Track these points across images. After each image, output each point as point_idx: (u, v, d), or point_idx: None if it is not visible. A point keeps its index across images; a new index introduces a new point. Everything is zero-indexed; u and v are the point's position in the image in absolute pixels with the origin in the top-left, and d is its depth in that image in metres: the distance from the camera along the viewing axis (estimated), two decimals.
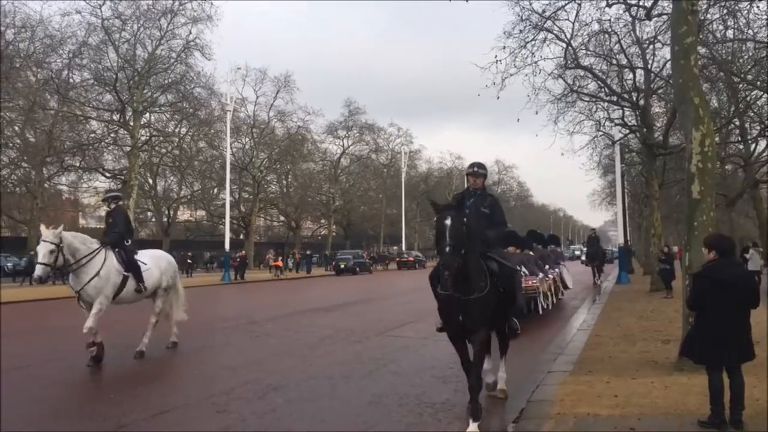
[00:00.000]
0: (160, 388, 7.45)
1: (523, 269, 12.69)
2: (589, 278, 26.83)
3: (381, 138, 64.85)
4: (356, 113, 61.41)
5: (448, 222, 5.26)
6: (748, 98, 22.46)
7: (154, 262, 10.06)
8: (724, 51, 20.22)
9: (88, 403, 6.74)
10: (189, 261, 41.06)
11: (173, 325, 10.51)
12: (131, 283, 9.45)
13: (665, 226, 37.17)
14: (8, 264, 37.64)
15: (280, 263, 40.20)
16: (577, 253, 63.60)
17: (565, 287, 17.95)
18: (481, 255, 5.74)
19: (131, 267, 9.41)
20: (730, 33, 19.68)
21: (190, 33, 31.48)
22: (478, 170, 6.60)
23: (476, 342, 5.55)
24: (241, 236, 54.29)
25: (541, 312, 13.74)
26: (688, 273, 7.65)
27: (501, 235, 6.79)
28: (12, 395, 6.96)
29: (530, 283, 13.20)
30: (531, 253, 14.97)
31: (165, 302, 10.39)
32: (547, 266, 15.73)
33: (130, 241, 9.79)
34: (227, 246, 34.84)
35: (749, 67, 20.36)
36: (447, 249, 5.14)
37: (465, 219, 5.43)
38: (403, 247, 58.10)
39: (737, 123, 24.69)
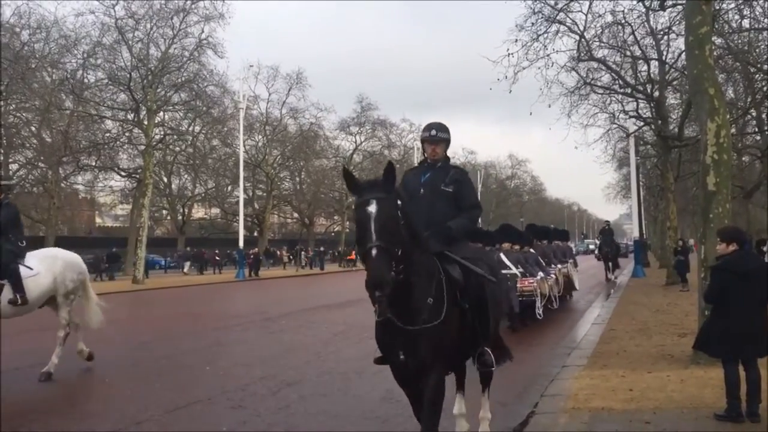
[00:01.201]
0: (175, 384, 7.51)
1: (519, 269, 11.77)
2: (600, 274, 25.96)
3: (393, 134, 64.74)
4: (368, 109, 61.31)
5: (372, 210, 3.47)
6: (765, 88, 22.15)
7: (46, 265, 8.08)
8: (739, 41, 19.99)
9: (104, 400, 6.81)
10: (217, 258, 42.27)
11: (80, 338, 8.69)
12: (6, 293, 7.53)
13: (681, 218, 36.88)
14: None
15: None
16: (591, 247, 63.10)
17: (573, 288, 16.64)
18: (437, 256, 4.01)
19: (7, 273, 7.53)
20: (746, 22, 19.48)
21: (203, 31, 31.55)
22: (436, 134, 4.57)
23: (427, 389, 3.85)
24: (255, 233, 54.53)
25: (540, 317, 12.10)
26: (704, 266, 7.58)
27: (470, 226, 4.62)
28: (33, 392, 7.06)
29: (526, 284, 11.70)
30: (531, 250, 13.55)
31: (71, 312, 8.56)
32: (552, 264, 14.51)
33: (24, 243, 8.05)
34: (241, 243, 35.01)
35: (766, 56, 20.07)
36: (373, 251, 3.37)
37: (400, 204, 3.65)
38: None
39: (754, 114, 24.36)
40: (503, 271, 10.66)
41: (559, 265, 14.91)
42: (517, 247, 12.43)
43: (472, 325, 4.12)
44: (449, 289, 3.92)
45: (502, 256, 11.50)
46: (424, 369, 3.82)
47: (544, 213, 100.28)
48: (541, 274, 12.44)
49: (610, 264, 25.92)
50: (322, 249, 51.57)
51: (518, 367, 8.30)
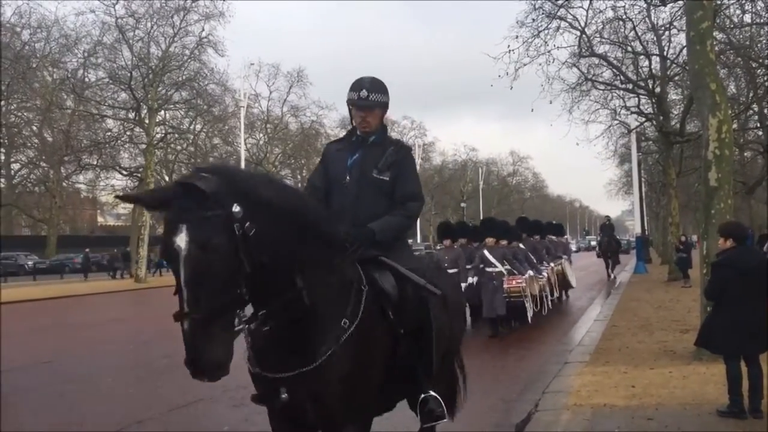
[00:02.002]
0: (176, 383, 7.50)
1: (505, 266, 10.55)
2: (602, 270, 24.85)
3: (394, 131, 64.66)
4: None
5: (181, 246, 2.18)
6: (767, 83, 22.09)
7: None
8: (741, 36, 19.93)
9: (106, 399, 6.82)
10: None
11: None
12: None
13: (683, 214, 36.78)
14: (29, 263, 38.23)
15: None
16: (593, 243, 63.00)
17: (569, 286, 15.80)
18: (367, 262, 2.95)
19: None
20: (747, 17, 19.41)
21: (203, 30, 31.50)
22: (368, 96, 3.26)
23: None
24: None
25: (530, 321, 11.00)
26: (705, 262, 7.57)
27: (403, 225, 3.30)
28: (40, 389, 7.08)
29: (514, 283, 10.36)
30: (521, 245, 12.26)
31: None
32: (544, 261, 13.50)
33: None
34: None
35: (767, 51, 20.01)
36: (184, 325, 2.26)
37: (248, 227, 2.27)
38: (418, 240, 58.03)
39: (755, 109, 24.29)
40: (488, 269, 10.38)
41: (552, 264, 13.78)
42: (504, 242, 11.06)
43: (408, 360, 2.96)
44: (372, 302, 2.80)
45: (486, 252, 10.55)
46: (328, 422, 2.71)
47: (546, 209, 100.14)
48: (531, 272, 11.10)
49: (611, 261, 24.78)
50: None
51: (520, 364, 8.34)
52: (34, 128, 37.81)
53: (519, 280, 10.37)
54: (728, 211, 7.60)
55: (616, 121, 27.63)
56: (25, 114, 36.66)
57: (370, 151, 3.30)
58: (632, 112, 25.10)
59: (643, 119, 25.52)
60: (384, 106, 3.34)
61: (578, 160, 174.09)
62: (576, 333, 10.49)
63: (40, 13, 32.80)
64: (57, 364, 8.91)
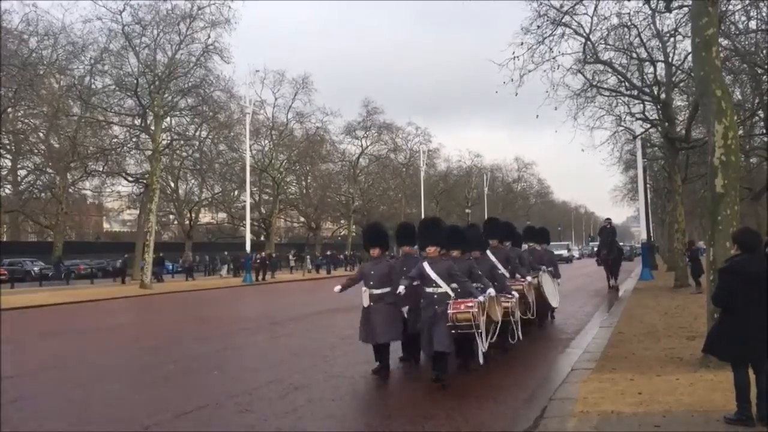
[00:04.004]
0: (182, 389, 7.53)
1: (449, 286, 7.44)
2: (602, 281, 22.30)
3: (399, 137, 64.85)
4: (374, 113, 61.48)
5: None
6: None
7: None
8: (746, 42, 19.90)
9: (113, 405, 6.83)
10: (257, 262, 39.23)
11: None
12: None
13: (689, 221, 36.66)
14: (35, 268, 38.38)
15: None
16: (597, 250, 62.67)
17: (549, 308, 12.50)
18: None
19: None
20: (752, 24, 19.39)
21: (209, 37, 31.62)
22: None
23: None
24: (262, 238, 54.66)
25: (482, 360, 7.72)
26: (712, 268, 7.55)
27: None
28: (47, 394, 7.10)
29: (462, 308, 7.29)
30: (488, 255, 9.52)
31: None
32: (517, 275, 10.42)
33: None
34: (248, 248, 35.08)
35: None
36: None
37: None
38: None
39: (761, 115, 24.23)
40: (428, 289, 7.44)
41: (529, 277, 10.60)
42: (455, 252, 8.19)
43: None
44: None
45: (426, 267, 7.49)
46: None
47: (551, 215, 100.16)
48: (490, 291, 7.83)
49: (612, 270, 21.81)
50: (329, 253, 51.63)
51: (526, 371, 8.32)
52: (41, 135, 38.01)
53: (469, 304, 7.32)
54: (735, 217, 7.58)
55: (621, 128, 27.63)
56: (31, 121, 36.89)
57: None
58: (637, 119, 25.09)
59: (649, 125, 25.51)
60: None
61: (583, 167, 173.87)
62: (582, 339, 10.45)
63: (47, 21, 33.06)
64: (64, 369, 8.93)
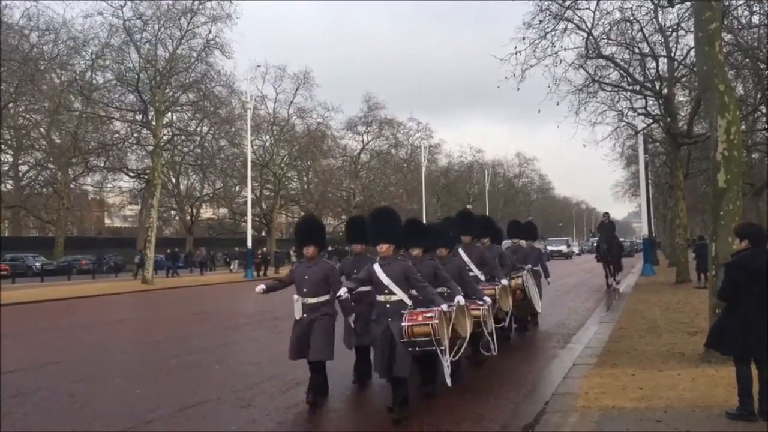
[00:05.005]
0: (184, 383, 7.54)
1: (405, 292, 6.06)
2: (603, 276, 20.87)
3: (400, 133, 64.81)
4: (375, 108, 61.41)
5: None
6: None
7: None
8: (749, 37, 19.83)
9: (114, 400, 6.84)
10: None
11: None
12: None
13: (691, 216, 36.69)
14: (36, 264, 38.45)
15: None
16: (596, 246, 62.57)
17: (532, 311, 11.00)
18: None
19: None
20: (755, 18, 19.32)
21: (210, 32, 31.58)
22: None
23: None
24: (263, 233, 54.69)
25: (449, 381, 6.01)
26: (714, 263, 7.54)
27: None
28: (49, 389, 7.12)
29: (419, 319, 5.86)
30: (460, 253, 8.34)
31: None
32: (495, 278, 8.80)
33: None
34: (249, 243, 35.09)
35: None
36: None
37: None
38: None
39: (764, 110, 24.18)
40: (379, 297, 6.07)
41: (504, 281, 8.87)
42: (416, 251, 6.76)
43: None
44: None
45: (377, 268, 6.08)
46: None
47: (552, 211, 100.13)
48: (459, 299, 6.40)
49: (611, 267, 20.48)
50: (330, 248, 51.64)
51: (527, 366, 8.32)
52: (42, 130, 38.05)
53: (429, 314, 5.90)
54: (737, 212, 7.57)
55: (623, 123, 27.62)
56: (33, 116, 36.94)
57: None
58: (639, 114, 25.04)
59: (650, 121, 25.45)
60: None
61: (585, 162, 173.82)
62: (583, 335, 10.45)
63: (48, 16, 33.25)
64: (65, 364, 8.95)
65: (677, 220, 24.26)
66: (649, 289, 18.34)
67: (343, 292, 5.96)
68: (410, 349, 5.87)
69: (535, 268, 11.41)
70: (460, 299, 6.42)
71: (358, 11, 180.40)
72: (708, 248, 8.41)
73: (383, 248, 6.16)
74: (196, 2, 30.63)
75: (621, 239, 26.43)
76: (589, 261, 37.07)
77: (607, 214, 23.34)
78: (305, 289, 6.25)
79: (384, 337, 5.95)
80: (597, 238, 25.30)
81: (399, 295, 6.00)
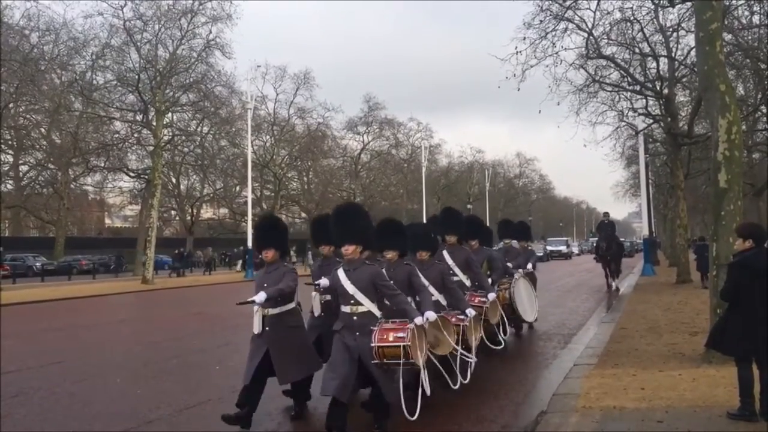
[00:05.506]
0: (185, 384, 7.53)
1: (374, 302, 5.33)
2: (600, 278, 20.78)
3: (401, 133, 64.82)
4: (376, 109, 61.40)
5: None
6: None
7: None
8: (750, 37, 19.84)
9: (115, 400, 6.83)
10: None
11: None
12: None
13: (691, 216, 36.68)
14: (36, 264, 38.45)
15: None
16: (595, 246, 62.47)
17: (520, 321, 10.00)
18: None
19: None
20: (756, 18, 19.32)
21: (210, 32, 31.59)
22: None
23: None
24: None
25: (423, 395, 5.39)
26: (715, 263, 7.53)
27: None
28: (50, 389, 7.12)
29: (390, 339, 5.13)
30: (444, 256, 7.55)
31: None
32: (482, 286, 7.93)
33: None
34: (250, 243, 35.09)
35: None
36: None
37: None
38: None
39: (764, 110, 24.18)
40: (344, 309, 5.36)
41: (491, 295, 7.88)
42: (391, 254, 5.89)
43: None
44: None
45: (341, 274, 5.37)
46: None
47: (553, 211, 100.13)
48: (429, 315, 5.44)
49: (612, 268, 20.11)
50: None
51: (528, 366, 8.31)
52: (43, 130, 38.04)
53: (400, 334, 5.12)
54: (738, 212, 7.56)
55: (623, 123, 27.58)
56: (33, 116, 36.90)
57: None
58: (640, 114, 25.02)
59: (651, 121, 25.43)
60: None
61: (585, 162, 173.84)
62: (584, 335, 10.45)
63: (48, 16, 33.23)
64: (66, 364, 8.94)
65: (678, 220, 24.23)
66: (649, 290, 18.33)
67: (259, 298, 5.28)
68: (380, 368, 5.22)
69: (530, 270, 10.76)
70: (429, 315, 5.40)
71: (358, 11, 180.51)
72: (709, 248, 8.38)
73: (349, 250, 5.32)
74: (197, 2, 30.66)
75: (621, 239, 26.19)
76: (589, 261, 37.07)
77: (606, 213, 23.04)
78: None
79: (349, 352, 5.15)
80: (596, 238, 24.81)
81: (367, 305, 5.21)
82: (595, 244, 25.10)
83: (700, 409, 5.37)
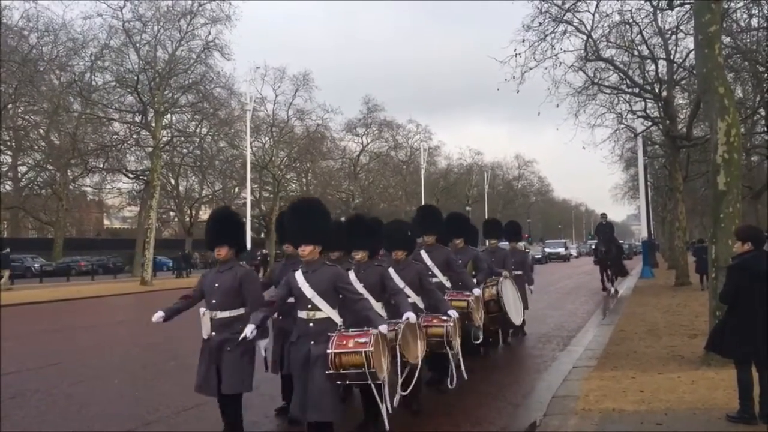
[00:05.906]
0: (183, 385, 7.50)
1: (335, 308, 4.87)
2: (599, 281, 19.91)
3: (400, 135, 64.84)
4: (375, 110, 61.43)
5: None
6: None
7: None
8: (748, 40, 19.88)
9: (113, 401, 6.82)
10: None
11: None
12: None
13: (690, 219, 36.70)
14: (35, 265, 38.40)
15: None
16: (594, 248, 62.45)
17: (509, 325, 9.22)
18: None
19: None
20: (754, 21, 19.37)
21: (210, 33, 31.54)
22: None
23: None
24: (263, 235, 54.68)
25: (387, 425, 4.88)
26: (714, 266, 7.53)
27: None
28: (48, 390, 7.10)
29: (350, 345, 4.61)
30: (422, 256, 7.17)
31: None
32: (468, 287, 7.36)
33: None
34: (248, 245, 35.08)
35: None
36: None
37: None
38: None
39: (762, 113, 24.22)
40: (300, 314, 4.83)
41: (477, 290, 7.39)
42: (359, 254, 5.50)
43: None
44: None
45: (299, 277, 4.83)
46: None
47: (552, 213, 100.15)
48: (408, 316, 5.19)
49: (609, 271, 19.54)
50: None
51: (527, 368, 8.30)
52: (41, 131, 37.97)
53: (361, 340, 4.63)
54: (737, 215, 7.57)
55: (622, 125, 27.60)
56: (32, 117, 36.84)
57: None
58: (638, 116, 25.06)
59: (650, 123, 25.49)
60: None
61: (584, 164, 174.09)
62: (583, 337, 10.44)
63: (47, 17, 33.12)
64: (64, 365, 8.92)
65: (676, 222, 24.24)
66: (648, 292, 18.33)
67: (249, 331, 4.59)
68: (339, 382, 4.66)
69: (518, 273, 10.03)
70: (410, 315, 5.15)
71: (357, 13, 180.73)
72: (708, 251, 8.39)
73: (306, 251, 4.77)
74: (196, 4, 30.65)
75: (620, 242, 25.54)
76: (588, 263, 37.07)
77: (604, 215, 22.30)
78: (214, 301, 5.07)
79: (302, 367, 4.68)
80: (595, 241, 23.91)
81: (325, 310, 4.71)
82: (594, 247, 24.52)
83: (699, 412, 5.36)
